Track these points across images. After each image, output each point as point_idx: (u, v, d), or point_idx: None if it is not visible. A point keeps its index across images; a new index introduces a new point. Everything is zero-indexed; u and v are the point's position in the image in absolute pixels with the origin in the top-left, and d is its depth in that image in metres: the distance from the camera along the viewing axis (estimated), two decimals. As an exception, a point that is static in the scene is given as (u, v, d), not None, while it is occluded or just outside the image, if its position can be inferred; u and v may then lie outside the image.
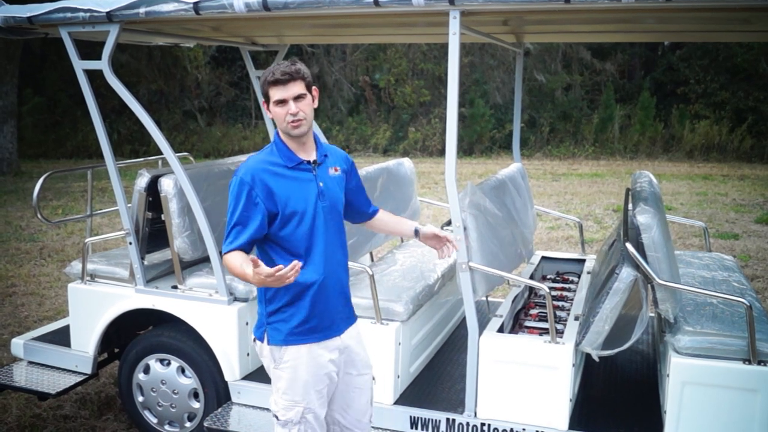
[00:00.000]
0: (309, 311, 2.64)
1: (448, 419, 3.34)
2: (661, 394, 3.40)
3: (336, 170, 2.76)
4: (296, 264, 2.31)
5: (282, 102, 2.56)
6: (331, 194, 2.69)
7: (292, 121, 2.57)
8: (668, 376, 3.04)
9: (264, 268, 2.29)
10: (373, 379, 2.96)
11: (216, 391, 3.79)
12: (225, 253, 2.56)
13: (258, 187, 2.55)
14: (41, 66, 18.82)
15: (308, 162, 2.66)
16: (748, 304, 2.94)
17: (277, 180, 2.59)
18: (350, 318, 2.83)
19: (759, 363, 2.92)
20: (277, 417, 2.71)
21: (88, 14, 3.54)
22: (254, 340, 2.78)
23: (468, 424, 3.30)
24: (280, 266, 2.29)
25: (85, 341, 4.09)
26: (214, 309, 3.77)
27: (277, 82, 2.55)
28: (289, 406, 2.68)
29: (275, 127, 2.69)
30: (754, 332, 2.91)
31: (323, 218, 2.64)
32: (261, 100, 2.80)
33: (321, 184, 2.66)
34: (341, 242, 2.76)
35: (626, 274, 3.02)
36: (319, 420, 2.72)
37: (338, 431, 2.90)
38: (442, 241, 2.91)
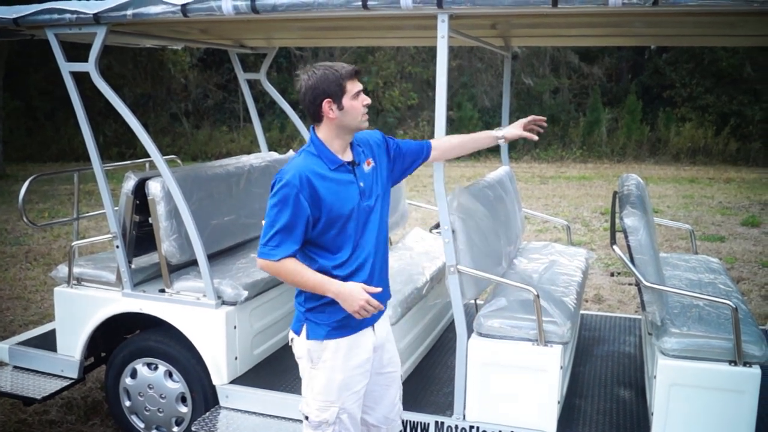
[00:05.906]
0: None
1: (436, 422, 3.34)
2: (648, 395, 3.42)
3: (369, 163, 2.72)
4: (380, 306, 2.54)
5: (358, 94, 2.56)
6: (371, 192, 2.67)
7: (366, 113, 2.60)
8: (655, 377, 3.06)
9: (373, 300, 2.50)
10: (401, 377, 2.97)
11: (204, 395, 3.77)
12: (277, 260, 2.48)
13: (306, 190, 2.48)
14: (26, 69, 18.65)
15: (348, 163, 2.63)
16: (733, 306, 2.96)
17: (323, 183, 2.53)
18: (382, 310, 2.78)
19: (745, 364, 2.94)
20: (308, 418, 2.69)
21: (74, 16, 3.51)
22: (291, 339, 2.75)
23: (457, 427, 3.30)
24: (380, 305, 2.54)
25: (72, 345, 4.06)
26: (202, 312, 3.75)
27: (354, 74, 2.55)
28: (324, 407, 2.66)
29: (319, 126, 2.60)
30: (740, 334, 2.93)
31: (366, 219, 2.63)
32: (321, 99, 2.52)
33: (362, 184, 2.64)
34: (383, 239, 2.74)
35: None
36: (354, 420, 2.70)
37: (366, 431, 2.89)
38: (527, 128, 3.10)
